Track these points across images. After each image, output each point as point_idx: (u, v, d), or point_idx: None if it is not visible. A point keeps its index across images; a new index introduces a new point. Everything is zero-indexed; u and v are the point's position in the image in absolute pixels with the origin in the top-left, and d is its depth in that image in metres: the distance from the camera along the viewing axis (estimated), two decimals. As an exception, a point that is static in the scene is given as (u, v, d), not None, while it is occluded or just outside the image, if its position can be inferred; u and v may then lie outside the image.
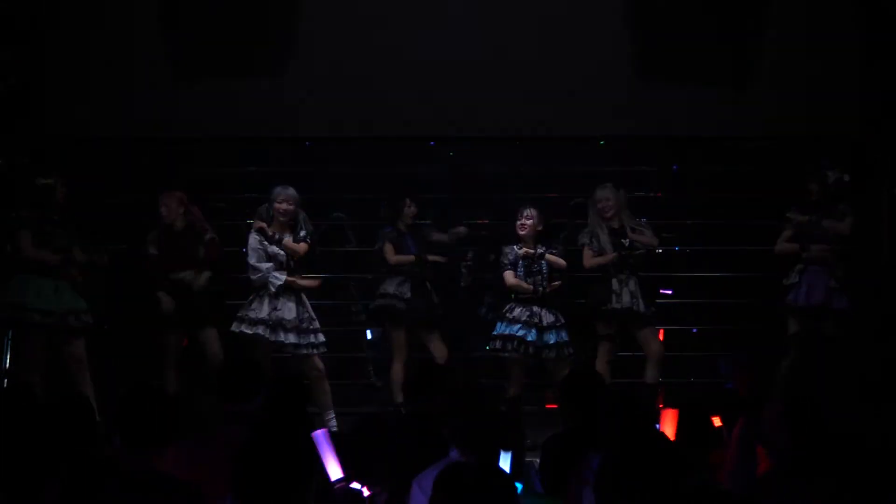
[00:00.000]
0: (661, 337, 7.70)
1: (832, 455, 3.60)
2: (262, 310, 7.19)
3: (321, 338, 7.34)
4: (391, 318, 7.62)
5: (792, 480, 3.71)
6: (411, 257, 7.60)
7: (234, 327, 7.24)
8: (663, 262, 8.14)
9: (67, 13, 7.88)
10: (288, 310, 7.20)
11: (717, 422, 4.81)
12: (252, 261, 7.28)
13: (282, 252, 7.29)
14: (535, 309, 7.35)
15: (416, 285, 7.59)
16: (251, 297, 7.29)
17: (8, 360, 7.61)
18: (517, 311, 7.36)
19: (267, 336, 7.14)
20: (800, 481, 3.65)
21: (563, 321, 7.44)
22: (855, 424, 4.73)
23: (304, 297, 7.35)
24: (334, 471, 3.61)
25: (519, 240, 7.50)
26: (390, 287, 7.58)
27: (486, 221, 8.57)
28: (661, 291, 7.85)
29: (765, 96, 7.92)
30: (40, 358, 7.04)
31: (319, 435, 3.68)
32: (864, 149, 7.93)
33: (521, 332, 7.27)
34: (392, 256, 7.60)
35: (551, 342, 7.34)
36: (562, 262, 7.47)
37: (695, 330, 8.41)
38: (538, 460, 4.79)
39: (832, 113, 7.94)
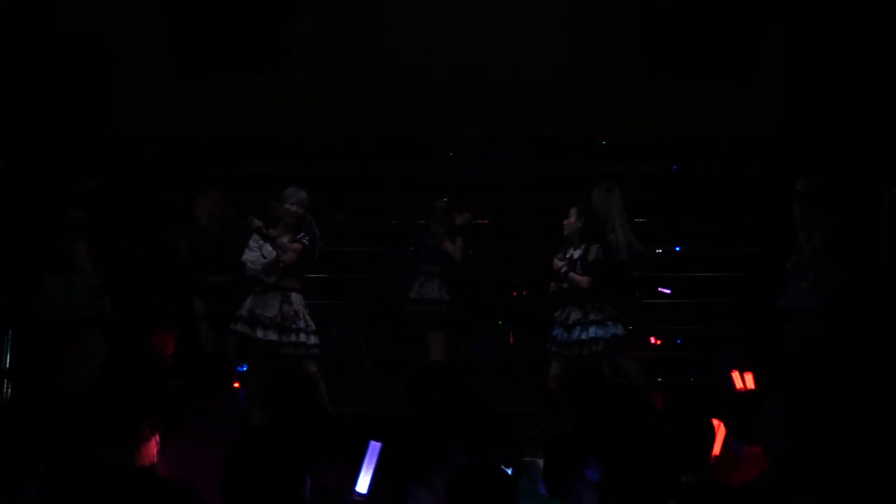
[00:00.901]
0: (658, 341, 7.69)
1: (832, 455, 3.60)
2: (245, 307, 7.09)
3: (302, 338, 7.06)
4: (433, 322, 7.65)
5: (792, 480, 3.71)
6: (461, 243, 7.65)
7: (231, 325, 7.20)
8: (663, 262, 8.14)
9: (67, 14, 7.89)
10: (270, 307, 7.02)
11: (718, 426, 4.79)
12: (243, 257, 7.21)
13: (273, 252, 7.11)
14: (568, 307, 7.37)
15: (451, 287, 7.61)
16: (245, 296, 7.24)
17: (8, 360, 7.61)
18: (557, 311, 7.42)
19: (246, 332, 7.01)
20: (800, 481, 3.65)
21: (594, 318, 7.31)
22: (855, 424, 4.72)
23: (293, 296, 7.11)
24: (363, 484, 3.57)
25: (563, 241, 7.49)
26: (431, 291, 7.61)
27: (487, 221, 8.57)
28: (660, 290, 7.84)
29: (765, 96, 7.93)
30: (72, 355, 7.04)
31: (374, 446, 3.63)
32: (864, 149, 7.94)
33: (554, 332, 7.37)
34: (459, 252, 7.65)
35: (575, 339, 7.35)
36: (583, 284, 7.29)
37: (679, 341, 8.41)
38: (541, 461, 4.79)
39: (832, 113, 7.95)
